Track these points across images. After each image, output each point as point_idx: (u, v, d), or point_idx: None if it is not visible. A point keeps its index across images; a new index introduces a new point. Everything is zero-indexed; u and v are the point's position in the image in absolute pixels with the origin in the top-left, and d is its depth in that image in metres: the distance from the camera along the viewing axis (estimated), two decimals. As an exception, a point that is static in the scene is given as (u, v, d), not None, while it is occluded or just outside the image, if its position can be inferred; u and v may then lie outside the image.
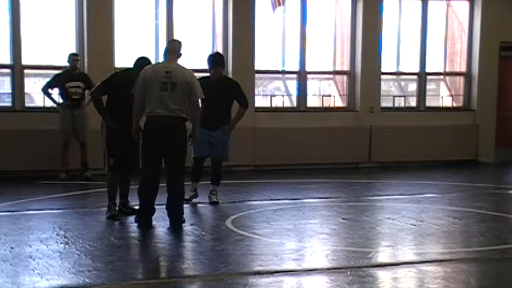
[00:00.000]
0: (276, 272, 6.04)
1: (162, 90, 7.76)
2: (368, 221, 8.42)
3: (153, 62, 9.23)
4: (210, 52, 11.27)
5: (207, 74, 9.30)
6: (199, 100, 8.08)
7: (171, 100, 7.76)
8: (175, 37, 11.29)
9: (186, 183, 8.19)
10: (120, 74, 8.62)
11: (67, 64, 11.42)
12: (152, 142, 7.83)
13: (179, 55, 8.06)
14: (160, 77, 7.78)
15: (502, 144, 14.62)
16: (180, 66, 8.01)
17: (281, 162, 12.90)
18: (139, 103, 7.86)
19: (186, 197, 9.05)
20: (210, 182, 9.39)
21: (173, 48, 8.07)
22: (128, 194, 8.49)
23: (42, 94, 11.69)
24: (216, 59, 9.30)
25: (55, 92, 11.37)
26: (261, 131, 12.78)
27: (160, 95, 7.75)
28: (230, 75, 12.64)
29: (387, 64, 13.94)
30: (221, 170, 9.45)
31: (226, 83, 9.45)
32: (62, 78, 11.23)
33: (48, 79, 11.40)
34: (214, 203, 9.27)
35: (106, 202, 8.35)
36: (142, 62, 8.27)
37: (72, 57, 11.33)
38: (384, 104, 14.02)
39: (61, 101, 11.30)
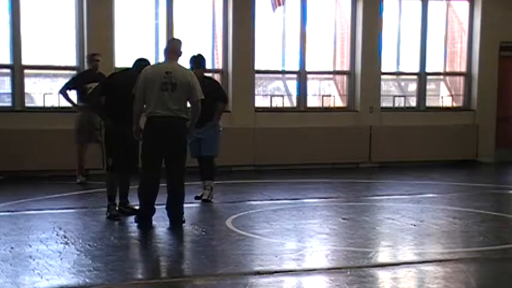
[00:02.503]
0: (276, 272, 6.03)
1: (163, 90, 7.75)
2: (368, 221, 8.42)
3: (153, 62, 9.28)
4: (209, 52, 11.38)
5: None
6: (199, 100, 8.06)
7: (171, 100, 7.76)
8: (175, 37, 11.28)
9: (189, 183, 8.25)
10: (118, 74, 8.66)
11: (71, 64, 11.40)
12: (152, 142, 7.82)
13: (179, 54, 8.05)
14: (160, 77, 7.78)
15: (502, 144, 14.62)
16: (180, 66, 8.02)
17: (281, 162, 12.90)
18: (140, 104, 7.87)
19: (198, 194, 9.45)
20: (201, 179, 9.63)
21: (173, 47, 8.07)
22: (127, 194, 8.49)
23: (40, 94, 11.72)
24: (198, 60, 9.53)
25: (72, 93, 10.87)
26: (261, 131, 12.78)
27: (161, 96, 7.75)
28: (230, 75, 12.69)
29: (387, 64, 13.95)
30: (213, 165, 9.56)
31: (207, 82, 9.54)
32: (82, 80, 10.69)
33: (67, 80, 11.08)
34: (204, 201, 9.39)
35: (106, 202, 8.35)
36: (140, 63, 8.29)
37: (93, 58, 10.81)
38: (384, 104, 14.02)
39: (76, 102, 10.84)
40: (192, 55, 9.57)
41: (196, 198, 9.45)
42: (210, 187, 9.48)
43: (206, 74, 9.93)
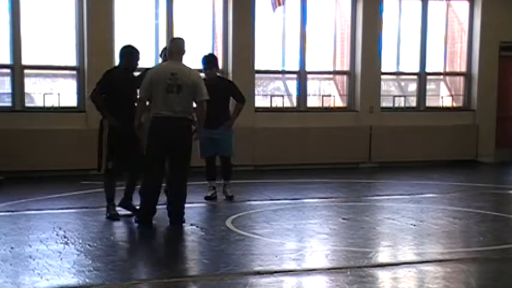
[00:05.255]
0: (276, 272, 6.03)
1: (168, 92, 7.76)
2: (368, 221, 8.42)
3: (153, 61, 9.26)
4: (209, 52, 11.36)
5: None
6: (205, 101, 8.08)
7: (176, 102, 7.77)
8: (178, 36, 11.26)
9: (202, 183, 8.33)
10: (114, 72, 8.45)
11: (71, 64, 11.33)
12: (156, 143, 7.82)
13: (183, 53, 8.04)
14: (166, 78, 7.78)
15: (502, 144, 14.62)
16: (186, 66, 7.98)
17: (281, 162, 12.89)
18: (143, 103, 7.89)
19: (207, 194, 9.54)
20: (222, 178, 9.69)
21: (176, 47, 8.04)
22: (132, 195, 8.44)
23: (40, 95, 11.71)
24: (210, 60, 9.56)
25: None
26: (261, 131, 12.78)
27: (166, 97, 7.76)
28: (230, 75, 12.67)
29: (387, 64, 13.95)
30: (231, 165, 9.74)
31: (221, 82, 9.71)
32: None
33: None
34: (229, 198, 9.56)
35: (105, 202, 8.34)
36: (125, 50, 8.28)
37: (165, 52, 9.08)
38: (384, 104, 14.02)
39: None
40: (203, 55, 9.60)
41: (206, 198, 9.51)
42: (229, 186, 9.66)
43: (219, 75, 9.93)
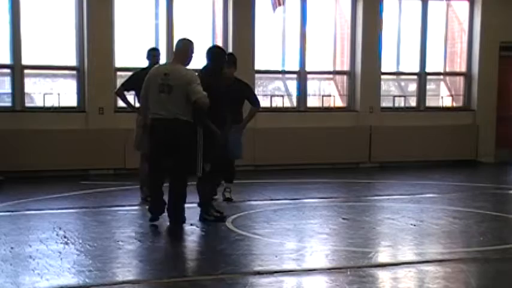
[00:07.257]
0: (276, 272, 6.04)
1: (160, 92, 7.78)
2: (368, 221, 8.42)
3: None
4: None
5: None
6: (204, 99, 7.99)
7: (169, 102, 7.76)
8: (175, 37, 11.26)
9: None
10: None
11: (71, 64, 11.38)
12: (154, 142, 7.85)
13: (187, 54, 7.98)
14: (158, 78, 7.81)
15: (502, 144, 14.62)
16: (182, 67, 7.91)
17: (281, 162, 12.89)
18: (144, 102, 8.03)
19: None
20: (224, 181, 9.59)
21: (178, 48, 8.09)
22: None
23: (40, 95, 11.68)
24: (230, 59, 9.38)
25: (131, 94, 9.70)
26: (261, 131, 12.77)
27: (159, 97, 7.79)
28: (230, 75, 12.67)
29: (387, 64, 13.95)
30: (234, 168, 9.66)
31: (237, 84, 9.47)
32: (140, 78, 8.62)
33: (123, 80, 9.84)
34: (227, 200, 9.48)
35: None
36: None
37: (152, 53, 9.51)
38: (384, 104, 14.02)
39: (138, 105, 9.07)
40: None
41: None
42: (229, 189, 9.58)
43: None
